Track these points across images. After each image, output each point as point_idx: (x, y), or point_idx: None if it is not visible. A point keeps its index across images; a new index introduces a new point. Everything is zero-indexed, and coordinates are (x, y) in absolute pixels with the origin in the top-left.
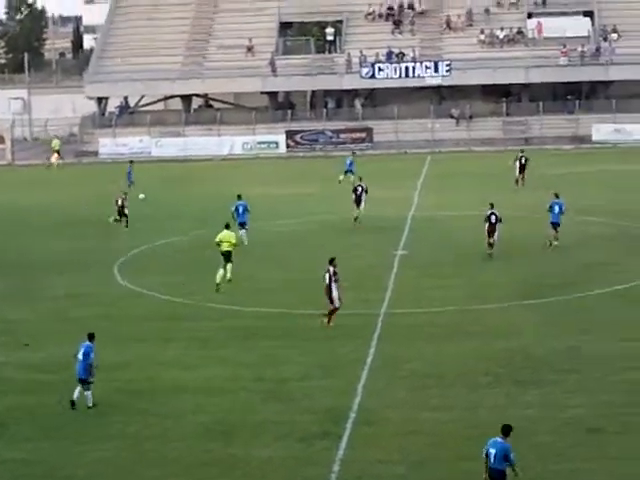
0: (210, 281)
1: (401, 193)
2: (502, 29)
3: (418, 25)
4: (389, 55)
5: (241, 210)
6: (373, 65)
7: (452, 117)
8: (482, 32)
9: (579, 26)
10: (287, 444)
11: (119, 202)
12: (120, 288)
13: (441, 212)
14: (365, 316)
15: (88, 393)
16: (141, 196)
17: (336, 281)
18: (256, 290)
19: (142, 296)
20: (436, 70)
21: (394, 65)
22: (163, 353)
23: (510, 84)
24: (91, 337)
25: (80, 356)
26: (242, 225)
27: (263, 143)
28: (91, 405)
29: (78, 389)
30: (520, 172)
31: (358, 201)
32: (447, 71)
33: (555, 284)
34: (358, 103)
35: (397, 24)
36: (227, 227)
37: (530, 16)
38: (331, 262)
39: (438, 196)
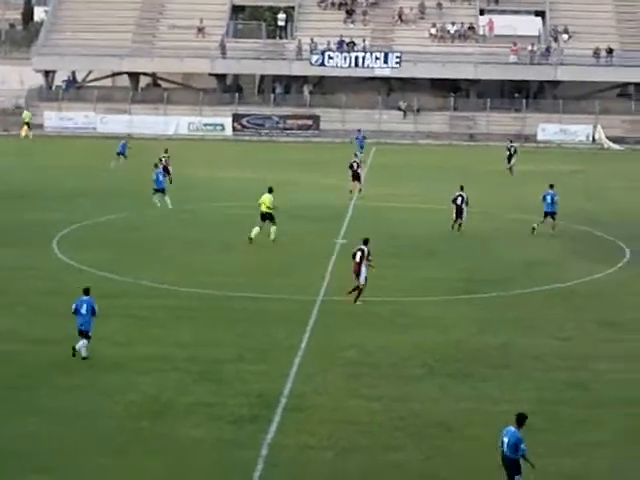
0: (148, 260)
1: (344, 182)
2: (453, 24)
3: (370, 15)
4: (340, 44)
5: (160, 177)
6: (323, 53)
7: (400, 109)
8: (434, 26)
9: (530, 25)
10: (217, 426)
11: (163, 162)
12: (58, 262)
13: (383, 203)
14: (302, 302)
15: (86, 343)
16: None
17: (368, 260)
18: (195, 271)
19: (80, 272)
20: (386, 61)
21: (344, 54)
22: (98, 330)
23: (459, 79)
24: (87, 292)
25: (84, 310)
26: (162, 191)
27: (209, 125)
28: (86, 356)
29: (83, 341)
30: (508, 161)
31: (355, 176)
32: (397, 63)
33: (494, 280)
34: (306, 90)
35: (349, 13)
36: (270, 191)
37: (482, 13)
38: (365, 243)
39: (381, 187)
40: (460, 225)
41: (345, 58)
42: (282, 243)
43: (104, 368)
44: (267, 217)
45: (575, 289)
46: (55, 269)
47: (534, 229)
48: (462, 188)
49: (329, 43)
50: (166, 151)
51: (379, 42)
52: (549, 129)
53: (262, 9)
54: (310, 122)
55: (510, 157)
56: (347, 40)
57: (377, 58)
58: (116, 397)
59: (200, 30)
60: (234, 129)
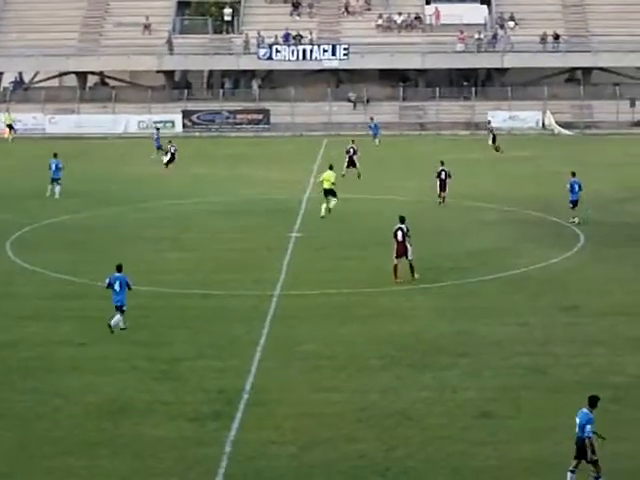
0: (103, 260)
1: (297, 176)
2: (400, 14)
3: (317, 8)
4: (286, 37)
5: (54, 167)
6: (270, 47)
7: (349, 101)
8: (380, 17)
9: (476, 13)
10: (179, 424)
11: (171, 150)
12: (11, 265)
13: (338, 195)
14: (259, 297)
15: (122, 317)
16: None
17: (408, 237)
18: (150, 270)
19: (34, 274)
20: (334, 53)
21: (292, 47)
22: (55, 332)
23: (407, 69)
24: (120, 268)
25: (117, 287)
26: (56, 180)
27: (159, 122)
28: (124, 327)
29: (117, 316)
30: (493, 142)
31: (351, 162)
32: (345, 55)
33: (448, 269)
34: (255, 84)
35: (296, 6)
36: (330, 168)
37: (428, 2)
38: (402, 221)
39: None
40: (444, 198)
41: (293, 51)
42: (237, 238)
43: (62, 370)
44: (330, 193)
45: (531, 275)
46: (8, 272)
47: (580, 223)
48: (442, 163)
49: (276, 37)
50: (170, 141)
51: (326, 34)
52: (499, 116)
53: (208, 4)
54: (260, 116)
55: (494, 137)
56: (294, 33)
57: (325, 50)
58: (75, 398)
59: (146, 27)
60: (184, 126)
